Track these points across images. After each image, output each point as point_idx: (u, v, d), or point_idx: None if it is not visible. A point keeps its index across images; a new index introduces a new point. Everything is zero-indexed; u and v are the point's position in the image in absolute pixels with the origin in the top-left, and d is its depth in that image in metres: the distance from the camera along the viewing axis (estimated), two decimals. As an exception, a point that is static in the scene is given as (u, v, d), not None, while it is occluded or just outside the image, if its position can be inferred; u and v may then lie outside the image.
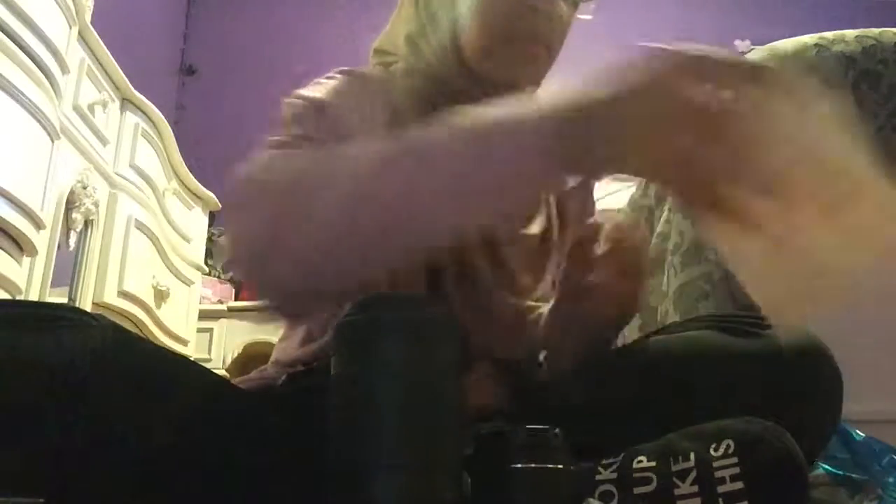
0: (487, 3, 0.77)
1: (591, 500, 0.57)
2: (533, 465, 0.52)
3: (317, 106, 0.75)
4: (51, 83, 1.53)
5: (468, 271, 0.79)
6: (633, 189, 1.60)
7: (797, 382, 0.66)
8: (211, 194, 2.58)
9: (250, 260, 0.58)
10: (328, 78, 0.82)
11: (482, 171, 0.52)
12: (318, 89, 0.78)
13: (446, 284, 0.77)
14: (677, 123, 0.47)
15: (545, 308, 0.84)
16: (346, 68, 0.84)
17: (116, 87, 2.05)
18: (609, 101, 0.49)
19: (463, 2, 0.79)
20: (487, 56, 0.79)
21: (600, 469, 0.59)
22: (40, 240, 1.53)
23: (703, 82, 0.47)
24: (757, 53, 1.30)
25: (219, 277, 2.93)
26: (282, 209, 0.55)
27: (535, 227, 0.87)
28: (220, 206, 2.53)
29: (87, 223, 1.87)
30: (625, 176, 0.52)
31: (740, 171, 0.47)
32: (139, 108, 2.17)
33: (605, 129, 0.49)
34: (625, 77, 0.49)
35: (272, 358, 0.92)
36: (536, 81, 0.83)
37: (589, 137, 0.49)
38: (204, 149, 2.70)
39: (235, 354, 2.64)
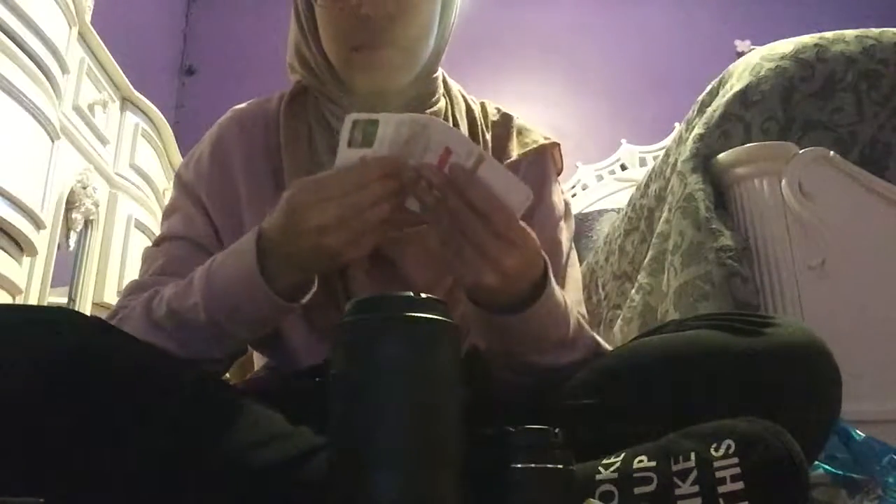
0: (326, 18, 0.79)
1: (591, 500, 0.57)
2: (533, 465, 0.52)
3: (182, 190, 0.86)
4: (51, 83, 1.53)
5: (348, 271, 0.80)
6: (633, 189, 1.60)
7: (797, 381, 0.65)
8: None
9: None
10: (225, 116, 0.91)
11: (227, 317, 0.69)
12: (191, 156, 0.89)
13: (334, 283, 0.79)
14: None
15: None
16: (234, 107, 0.91)
17: (116, 87, 2.05)
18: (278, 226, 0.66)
19: (318, 15, 0.81)
20: (343, 66, 0.81)
21: (600, 469, 0.59)
22: (40, 240, 1.53)
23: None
24: (757, 53, 1.30)
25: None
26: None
27: None
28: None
29: (87, 223, 1.87)
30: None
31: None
32: (139, 108, 2.17)
33: (289, 240, 0.65)
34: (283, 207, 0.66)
35: (258, 362, 0.92)
36: (403, 83, 0.83)
37: (282, 249, 0.66)
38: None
39: (235, 354, 2.63)
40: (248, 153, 0.86)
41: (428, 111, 0.86)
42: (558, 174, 0.94)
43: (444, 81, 0.92)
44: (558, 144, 0.93)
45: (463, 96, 0.94)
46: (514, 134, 0.91)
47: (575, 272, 0.90)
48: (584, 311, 0.86)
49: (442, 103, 0.89)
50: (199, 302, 0.70)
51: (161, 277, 0.78)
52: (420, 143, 0.64)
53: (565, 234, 0.91)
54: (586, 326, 0.81)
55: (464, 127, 0.88)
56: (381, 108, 0.81)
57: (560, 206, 0.92)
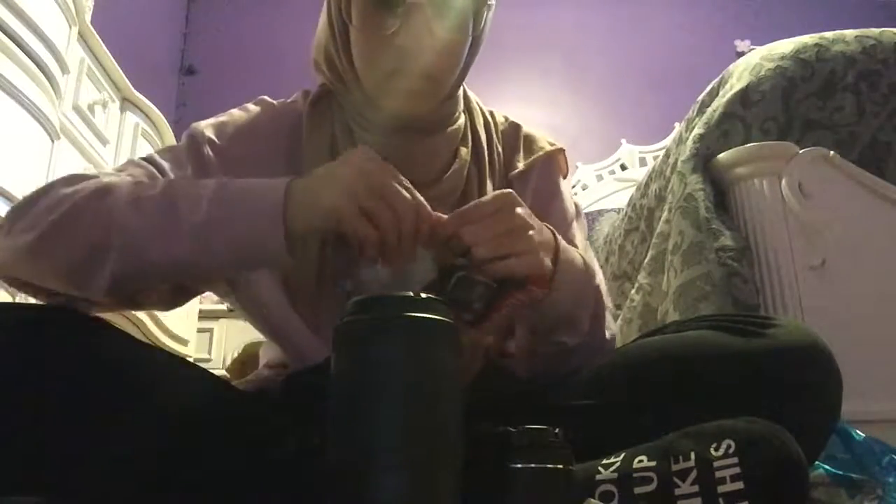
0: (360, 40, 0.79)
1: (591, 500, 0.57)
2: (533, 465, 0.52)
3: (194, 145, 0.83)
4: (51, 83, 1.53)
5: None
6: (633, 189, 1.60)
7: (797, 382, 0.65)
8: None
9: (15, 264, 0.69)
10: (254, 104, 0.89)
11: (221, 227, 0.65)
12: (219, 123, 0.86)
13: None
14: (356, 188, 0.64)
15: None
16: (264, 98, 0.90)
17: (116, 87, 2.05)
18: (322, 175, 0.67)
19: (352, 34, 0.81)
20: (373, 88, 0.81)
21: (600, 469, 0.59)
22: (40, 240, 1.53)
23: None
24: (757, 53, 1.30)
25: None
26: (52, 228, 0.66)
27: None
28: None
29: (87, 223, 1.87)
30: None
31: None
32: (139, 108, 2.17)
33: (321, 192, 0.65)
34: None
35: (262, 360, 0.92)
36: (429, 109, 0.83)
37: (311, 199, 0.65)
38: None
39: (235, 354, 2.64)
40: (271, 147, 0.84)
41: (449, 129, 0.87)
42: (564, 177, 0.95)
43: (465, 95, 0.92)
44: (563, 149, 0.94)
45: (479, 108, 0.95)
46: (522, 144, 0.93)
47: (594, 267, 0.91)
48: (609, 303, 0.87)
49: (462, 120, 0.89)
50: (205, 195, 0.67)
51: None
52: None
53: (579, 235, 0.92)
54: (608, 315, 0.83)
55: (484, 139, 0.90)
56: (404, 128, 0.82)
57: (571, 209, 0.93)
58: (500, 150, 0.91)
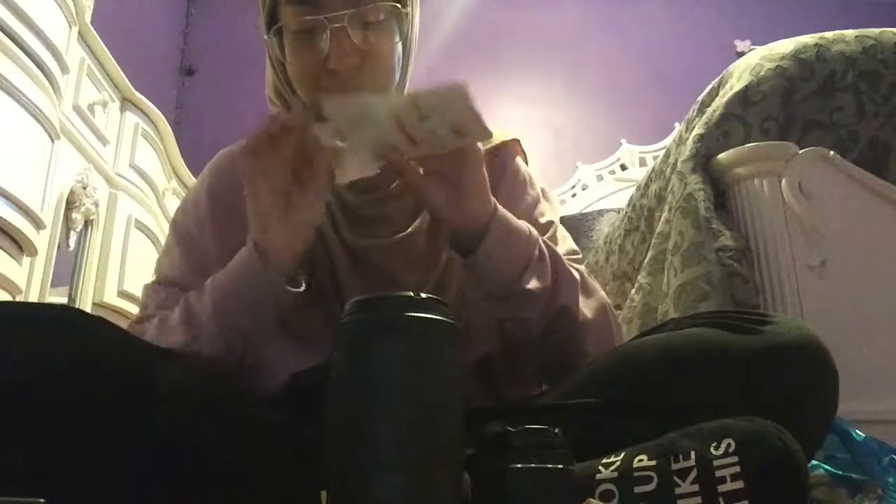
0: (300, 75, 0.82)
1: (591, 499, 0.57)
2: (533, 465, 0.52)
3: (178, 232, 0.90)
4: (51, 83, 1.53)
5: (339, 278, 0.83)
6: (633, 189, 1.60)
7: (794, 378, 0.66)
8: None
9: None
10: (213, 163, 0.95)
11: (232, 313, 0.73)
12: (191, 200, 0.92)
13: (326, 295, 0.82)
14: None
15: None
16: (219, 153, 0.96)
17: (116, 87, 2.05)
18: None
19: (288, 69, 0.84)
20: (317, 111, 0.83)
21: (600, 468, 0.59)
22: (40, 240, 1.53)
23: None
24: (757, 53, 1.30)
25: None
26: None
27: (418, 223, 0.87)
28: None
29: (87, 223, 1.87)
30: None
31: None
32: (139, 108, 2.17)
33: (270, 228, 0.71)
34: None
35: None
36: None
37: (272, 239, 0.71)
38: (204, 149, 2.68)
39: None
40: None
41: None
42: (526, 163, 0.97)
43: None
44: (517, 140, 0.95)
45: None
46: None
47: (563, 233, 0.93)
48: (582, 268, 0.86)
49: None
50: (208, 297, 0.74)
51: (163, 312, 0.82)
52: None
53: (550, 212, 0.92)
54: (572, 266, 0.83)
55: None
56: None
57: (537, 188, 0.94)
58: None
